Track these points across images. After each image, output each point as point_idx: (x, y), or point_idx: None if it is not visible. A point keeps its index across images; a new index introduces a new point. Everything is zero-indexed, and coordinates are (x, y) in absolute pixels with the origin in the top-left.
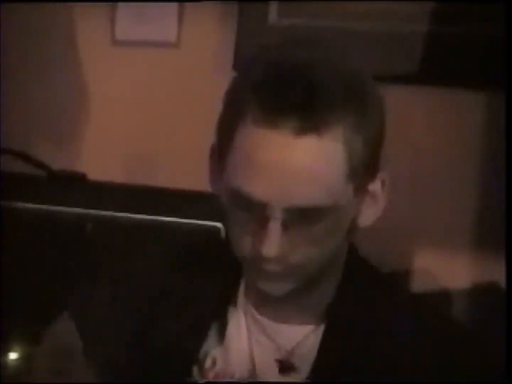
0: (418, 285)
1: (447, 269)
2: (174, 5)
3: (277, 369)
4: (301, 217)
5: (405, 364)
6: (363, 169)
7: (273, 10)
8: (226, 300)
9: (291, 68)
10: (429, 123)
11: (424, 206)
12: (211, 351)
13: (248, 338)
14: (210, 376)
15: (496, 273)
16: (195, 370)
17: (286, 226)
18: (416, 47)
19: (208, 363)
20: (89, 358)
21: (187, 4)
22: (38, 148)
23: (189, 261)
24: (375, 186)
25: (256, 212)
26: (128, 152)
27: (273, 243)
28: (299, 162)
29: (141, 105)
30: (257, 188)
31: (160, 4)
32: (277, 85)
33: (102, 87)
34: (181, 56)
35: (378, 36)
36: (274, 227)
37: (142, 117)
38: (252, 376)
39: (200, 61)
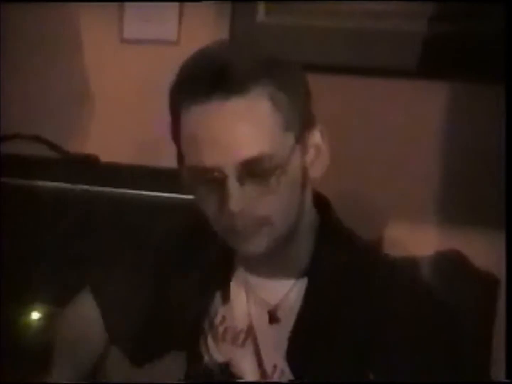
0: (389, 252)
1: (414, 238)
2: (175, 7)
3: (267, 320)
4: (253, 169)
5: (381, 317)
6: (298, 120)
7: (261, 10)
8: (228, 268)
9: (209, 56)
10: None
11: (394, 182)
12: (219, 309)
13: (246, 296)
14: (220, 331)
15: (457, 242)
16: (206, 325)
17: (242, 180)
18: (405, 43)
19: (217, 319)
20: (109, 327)
21: (186, 6)
22: (58, 134)
23: (191, 235)
24: (316, 138)
25: (214, 177)
26: (136, 136)
27: (235, 198)
28: (233, 122)
29: (146, 96)
30: (207, 156)
31: (163, 6)
32: (199, 69)
33: (113, 79)
34: (180, 53)
35: (360, 33)
36: (232, 184)
37: (147, 106)
38: (250, 328)
39: None
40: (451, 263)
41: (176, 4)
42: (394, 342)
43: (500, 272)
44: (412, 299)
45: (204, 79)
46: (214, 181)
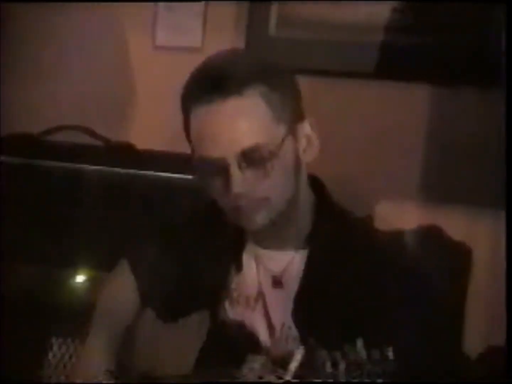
0: (379, 226)
1: (399, 214)
2: (199, 17)
3: (271, 284)
4: (250, 157)
5: (369, 282)
6: (288, 115)
7: (272, 24)
8: (240, 243)
9: (212, 65)
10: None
11: (381, 164)
12: (234, 278)
13: (256, 266)
14: (235, 296)
15: (437, 217)
16: (223, 290)
17: (242, 167)
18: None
19: (232, 286)
20: (143, 292)
21: (209, 16)
22: (101, 125)
23: (210, 214)
24: (306, 129)
25: (218, 166)
26: (167, 127)
27: (237, 182)
28: (232, 118)
29: (175, 95)
30: (212, 149)
31: (189, 18)
32: (203, 77)
33: (146, 81)
34: (203, 58)
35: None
36: (234, 170)
37: (176, 104)
38: (259, 294)
39: None
40: (431, 235)
41: (201, 14)
42: (380, 305)
43: (472, 242)
44: (397, 268)
45: (206, 85)
46: (219, 169)
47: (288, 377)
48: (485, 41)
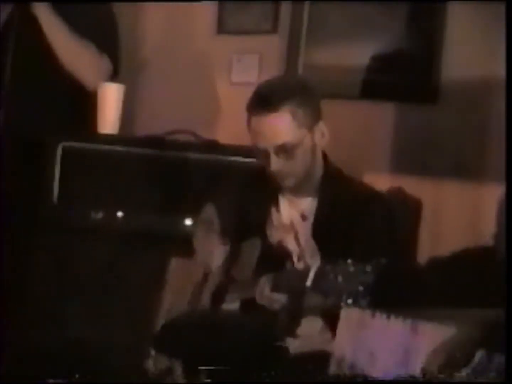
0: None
1: (377, 180)
2: (256, 66)
3: (301, 219)
4: (282, 149)
5: (358, 218)
6: (308, 121)
7: (300, 67)
8: (277, 193)
9: (262, 88)
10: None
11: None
12: (274, 214)
13: (289, 207)
14: (275, 224)
15: (399, 182)
16: (268, 222)
17: (277, 155)
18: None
19: (273, 219)
20: (221, 224)
21: (262, 65)
22: (199, 129)
23: (263, 177)
24: (320, 126)
25: (264, 152)
26: (238, 130)
27: (274, 163)
28: (272, 125)
29: (243, 112)
30: (260, 142)
31: (250, 65)
32: (257, 97)
33: (225, 103)
34: None
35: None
36: (272, 156)
37: (242, 117)
38: (291, 226)
39: None
40: (396, 193)
41: (257, 64)
42: (362, 234)
43: (422, 196)
44: (373, 209)
45: (258, 104)
46: (264, 153)
47: (308, 283)
48: (429, 74)
